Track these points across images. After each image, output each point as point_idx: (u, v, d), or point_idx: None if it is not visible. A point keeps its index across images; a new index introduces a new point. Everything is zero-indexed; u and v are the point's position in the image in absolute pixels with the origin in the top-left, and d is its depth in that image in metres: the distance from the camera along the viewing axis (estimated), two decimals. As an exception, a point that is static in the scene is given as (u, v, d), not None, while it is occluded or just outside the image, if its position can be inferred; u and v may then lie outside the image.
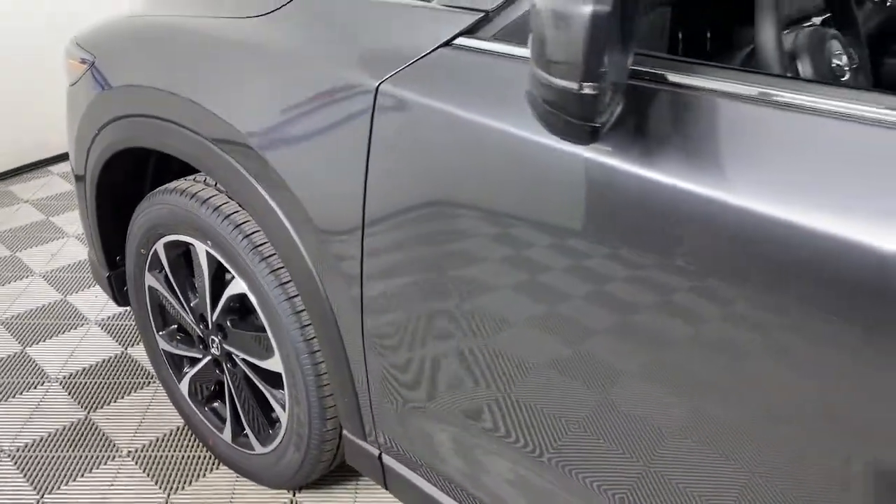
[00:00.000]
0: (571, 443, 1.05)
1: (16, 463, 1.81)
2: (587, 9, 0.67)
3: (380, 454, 1.38)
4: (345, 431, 1.44)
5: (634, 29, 0.80)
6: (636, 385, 0.94)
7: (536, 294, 1.00)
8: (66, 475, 1.78)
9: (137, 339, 2.23)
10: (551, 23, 0.70)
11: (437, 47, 1.06)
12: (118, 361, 2.17)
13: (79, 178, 1.84)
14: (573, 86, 0.71)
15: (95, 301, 2.44)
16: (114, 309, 2.38)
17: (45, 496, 1.72)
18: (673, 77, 0.88)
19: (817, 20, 1.50)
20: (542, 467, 1.11)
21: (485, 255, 1.04)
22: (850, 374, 0.76)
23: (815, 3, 1.44)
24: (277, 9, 1.30)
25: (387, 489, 1.43)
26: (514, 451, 1.13)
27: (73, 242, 2.81)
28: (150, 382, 2.09)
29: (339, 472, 1.76)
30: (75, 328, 2.32)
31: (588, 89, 0.71)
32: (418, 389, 1.24)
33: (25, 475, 1.77)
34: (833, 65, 1.21)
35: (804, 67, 1.17)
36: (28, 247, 2.79)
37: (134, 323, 2.26)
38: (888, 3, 2.16)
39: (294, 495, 1.75)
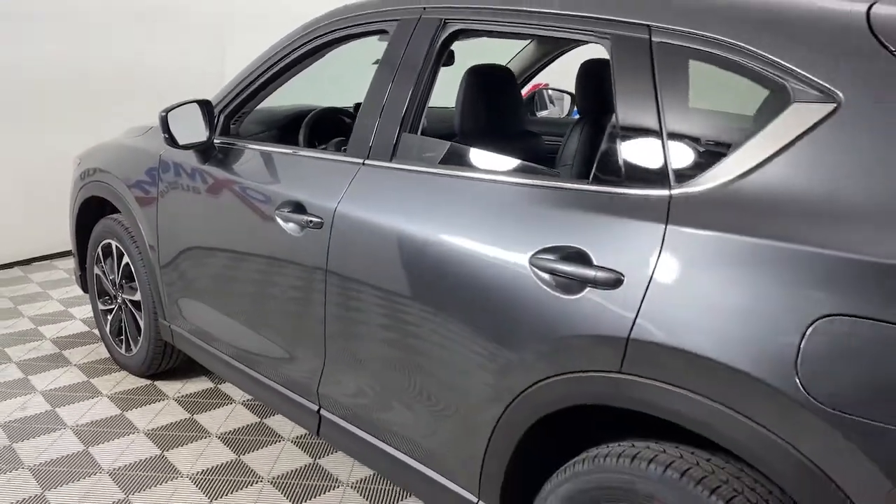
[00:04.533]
0: (248, 306, 2.65)
1: None
2: (162, 114, 2.44)
3: (169, 325, 3.01)
4: (159, 319, 3.08)
5: (214, 122, 2.55)
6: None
7: (221, 248, 2.64)
8: (40, 368, 3.43)
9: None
10: (160, 119, 2.47)
11: (183, 140, 2.83)
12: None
13: (74, 254, 3.63)
14: (166, 135, 2.46)
15: (60, 328, 4.16)
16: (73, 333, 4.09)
17: None
18: (242, 143, 2.61)
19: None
20: (238, 320, 2.67)
21: (193, 227, 2.72)
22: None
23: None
24: (146, 133, 3.12)
25: (174, 344, 3.04)
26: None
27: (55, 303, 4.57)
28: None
29: (174, 376, 3.36)
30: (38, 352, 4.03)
31: (168, 136, 2.46)
32: (177, 293, 2.88)
33: None
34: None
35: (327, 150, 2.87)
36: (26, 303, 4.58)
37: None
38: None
39: (153, 382, 3.34)
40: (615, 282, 1.49)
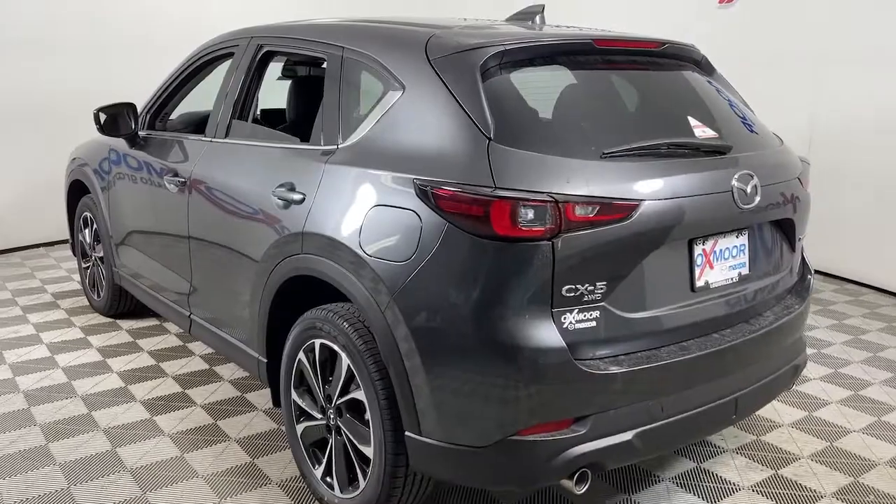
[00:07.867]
0: (151, 247, 3.72)
1: None
2: (95, 111, 3.51)
3: (118, 272, 4.09)
4: (114, 268, 4.16)
5: (137, 118, 3.62)
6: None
7: (138, 207, 3.72)
8: (35, 309, 4.56)
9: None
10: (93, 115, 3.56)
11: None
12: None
13: (68, 225, 4.78)
14: (98, 126, 3.54)
15: (59, 287, 5.30)
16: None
17: None
18: (158, 134, 3.68)
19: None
20: (147, 257, 3.76)
21: (124, 193, 3.80)
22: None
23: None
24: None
25: (121, 285, 4.12)
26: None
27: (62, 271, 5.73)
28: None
29: (131, 316, 4.43)
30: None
31: (99, 126, 3.53)
32: (118, 244, 3.96)
33: None
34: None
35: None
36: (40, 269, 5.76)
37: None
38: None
39: (115, 320, 4.42)
40: (302, 200, 2.46)
